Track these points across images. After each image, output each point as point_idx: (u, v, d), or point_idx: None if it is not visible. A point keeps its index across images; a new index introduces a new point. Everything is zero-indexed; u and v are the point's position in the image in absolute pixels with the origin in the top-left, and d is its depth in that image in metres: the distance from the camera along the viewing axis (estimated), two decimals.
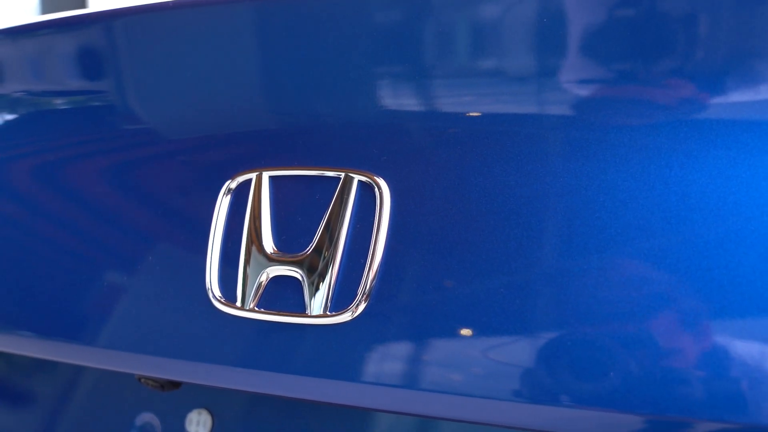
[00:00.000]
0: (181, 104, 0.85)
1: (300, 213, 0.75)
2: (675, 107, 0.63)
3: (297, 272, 0.73)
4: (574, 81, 0.67)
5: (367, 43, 0.74)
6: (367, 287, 0.70)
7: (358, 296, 0.70)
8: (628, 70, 0.66)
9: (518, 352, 0.65)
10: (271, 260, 0.75)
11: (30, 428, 1.06)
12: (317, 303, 0.72)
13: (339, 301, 0.71)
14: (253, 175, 0.77)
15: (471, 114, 0.70)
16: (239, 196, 0.78)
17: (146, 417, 0.97)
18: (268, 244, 0.75)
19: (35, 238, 0.92)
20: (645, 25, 0.64)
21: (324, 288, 0.72)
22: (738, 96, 0.63)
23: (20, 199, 0.94)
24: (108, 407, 1.01)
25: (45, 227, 0.92)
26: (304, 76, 0.77)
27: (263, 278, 0.75)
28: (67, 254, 0.89)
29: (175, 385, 0.90)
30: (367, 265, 0.70)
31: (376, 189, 0.71)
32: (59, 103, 0.94)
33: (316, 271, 0.72)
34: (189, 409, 0.94)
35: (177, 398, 0.95)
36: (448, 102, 0.72)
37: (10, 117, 0.98)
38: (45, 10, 4.15)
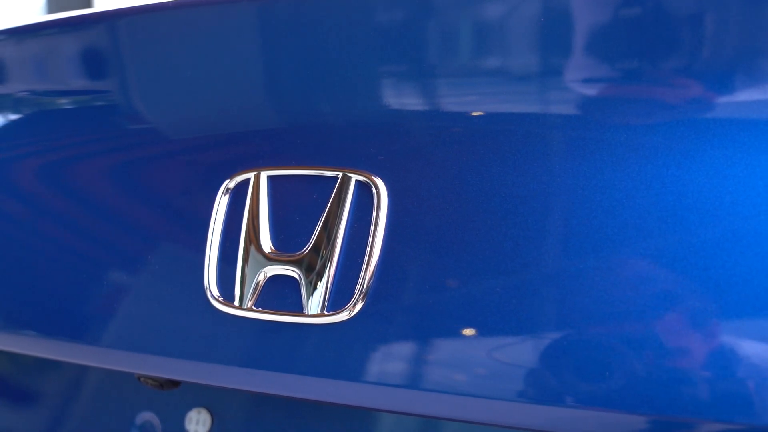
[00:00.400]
0: (180, 104, 0.85)
1: (298, 212, 0.75)
2: (680, 107, 0.63)
3: (294, 272, 0.73)
4: (571, 80, 0.67)
5: (364, 43, 0.74)
6: (364, 287, 0.70)
7: (356, 296, 0.70)
8: (628, 69, 0.66)
9: (515, 351, 0.64)
10: (269, 260, 0.75)
11: (32, 427, 1.07)
12: (315, 302, 0.72)
13: (336, 300, 0.71)
14: (251, 175, 0.77)
15: (468, 114, 0.70)
16: (237, 196, 0.78)
17: (146, 416, 0.97)
18: (266, 244, 0.75)
19: (33, 238, 0.92)
20: (646, 24, 0.64)
21: (321, 287, 0.72)
22: (745, 95, 0.62)
23: (19, 199, 0.95)
24: (109, 406, 1.01)
25: (43, 227, 0.92)
26: (302, 76, 0.77)
27: (261, 278, 0.75)
28: (66, 254, 0.90)
29: (175, 384, 0.90)
30: (365, 265, 0.70)
31: (374, 188, 0.71)
32: (59, 102, 0.94)
33: (313, 271, 0.72)
34: (188, 408, 0.94)
35: (176, 397, 0.95)
36: (446, 102, 0.72)
37: (12, 116, 0.98)
38: (51, 9, 4.16)
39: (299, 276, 0.73)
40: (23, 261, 0.92)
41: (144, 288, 0.83)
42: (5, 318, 0.93)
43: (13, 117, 0.98)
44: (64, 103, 0.94)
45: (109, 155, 0.89)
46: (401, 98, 0.73)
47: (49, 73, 0.95)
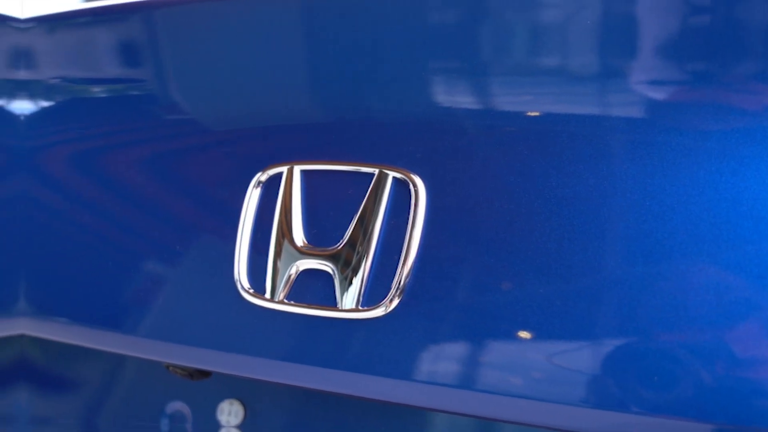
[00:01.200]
0: (215, 95, 0.85)
1: (332, 208, 0.74)
2: (750, 111, 0.61)
3: (328, 266, 0.73)
4: (619, 81, 0.65)
5: (404, 37, 0.73)
6: (401, 283, 0.69)
7: (392, 292, 0.69)
8: (685, 71, 0.64)
9: (558, 354, 0.63)
10: (302, 253, 0.74)
11: (62, 414, 1.08)
12: (349, 297, 0.71)
13: (371, 296, 0.70)
14: (284, 169, 0.76)
15: (512, 113, 0.69)
16: (269, 189, 0.77)
17: (177, 405, 0.97)
18: (299, 237, 0.75)
19: (65, 228, 0.93)
20: (708, 24, 0.62)
21: (356, 282, 0.71)
22: None
23: (52, 187, 0.95)
24: (140, 394, 1.02)
25: (75, 217, 0.92)
26: (339, 70, 0.76)
27: (293, 271, 0.74)
28: (98, 244, 0.90)
29: (205, 374, 0.90)
30: (401, 262, 0.69)
31: (411, 186, 0.70)
32: (92, 91, 0.95)
33: (348, 266, 0.72)
34: (220, 399, 0.94)
35: (208, 388, 0.95)
36: (489, 100, 0.71)
37: (46, 104, 0.98)
38: None
39: (333, 270, 0.72)
40: (56, 250, 0.93)
41: (175, 278, 0.83)
42: (39, 305, 0.94)
43: (47, 104, 0.98)
44: (97, 92, 0.94)
45: (143, 145, 0.89)
46: (442, 95, 0.72)
47: (83, 61, 0.95)
